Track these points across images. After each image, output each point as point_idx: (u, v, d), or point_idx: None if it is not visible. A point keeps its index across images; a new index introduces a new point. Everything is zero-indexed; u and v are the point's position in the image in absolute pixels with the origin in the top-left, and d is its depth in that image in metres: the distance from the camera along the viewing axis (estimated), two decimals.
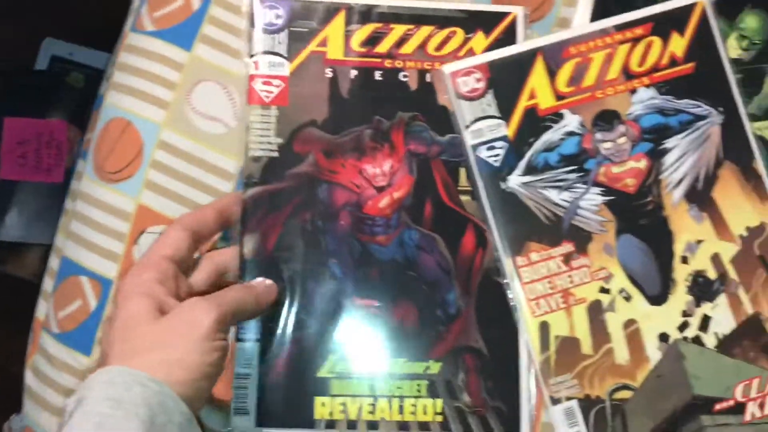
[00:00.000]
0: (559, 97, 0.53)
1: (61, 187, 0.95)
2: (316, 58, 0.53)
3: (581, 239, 0.52)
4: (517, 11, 0.54)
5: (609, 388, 0.51)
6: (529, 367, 0.52)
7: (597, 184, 0.53)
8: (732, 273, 0.52)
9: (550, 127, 0.53)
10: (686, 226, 0.53)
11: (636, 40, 0.53)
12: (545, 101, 0.53)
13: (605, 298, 0.52)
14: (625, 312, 0.52)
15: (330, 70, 0.53)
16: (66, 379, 0.54)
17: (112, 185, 0.55)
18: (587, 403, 0.51)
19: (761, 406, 0.52)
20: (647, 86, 0.53)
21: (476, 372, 0.51)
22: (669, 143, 0.53)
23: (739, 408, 0.51)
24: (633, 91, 0.53)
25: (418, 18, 0.54)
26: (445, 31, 0.54)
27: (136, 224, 0.54)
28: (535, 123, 0.53)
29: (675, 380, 0.51)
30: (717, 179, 0.53)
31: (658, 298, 0.52)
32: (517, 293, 0.52)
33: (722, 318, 0.52)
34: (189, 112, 0.55)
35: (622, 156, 0.53)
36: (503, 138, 0.53)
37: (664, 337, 0.52)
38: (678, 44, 0.53)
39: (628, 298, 0.52)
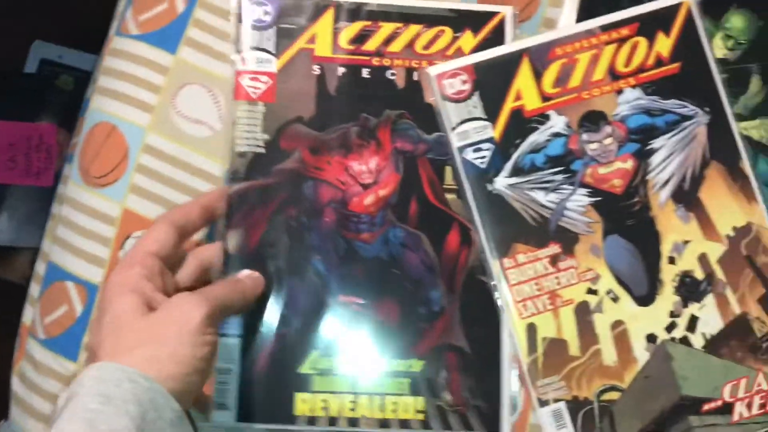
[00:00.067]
0: (545, 98, 0.53)
1: (51, 191, 0.95)
2: (304, 55, 0.53)
3: (568, 240, 0.52)
4: (506, 11, 0.54)
5: (597, 389, 0.51)
6: (511, 366, 0.51)
7: (584, 185, 0.53)
8: (719, 273, 0.52)
9: (537, 128, 0.53)
10: (673, 227, 0.53)
11: (622, 41, 0.53)
12: (531, 102, 0.53)
13: (592, 300, 0.52)
14: (613, 313, 0.52)
15: (318, 67, 0.53)
16: (52, 385, 0.53)
17: (98, 190, 0.55)
18: (575, 405, 0.51)
19: (749, 406, 0.52)
20: (633, 87, 0.53)
21: (458, 370, 0.51)
22: (655, 144, 0.53)
23: (727, 408, 0.51)
24: (619, 92, 0.53)
25: (406, 16, 0.54)
26: (434, 30, 0.54)
27: (121, 229, 0.54)
28: (522, 124, 0.53)
29: (663, 381, 0.51)
30: (704, 179, 0.53)
31: (645, 298, 0.52)
32: (504, 295, 0.52)
33: (710, 318, 0.52)
34: (174, 116, 0.55)
35: (608, 157, 0.53)
36: (489, 140, 0.53)
37: (651, 338, 0.52)
38: (664, 44, 0.53)
39: (615, 299, 0.52)
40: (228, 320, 0.50)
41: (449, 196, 0.53)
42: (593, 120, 0.53)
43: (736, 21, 0.55)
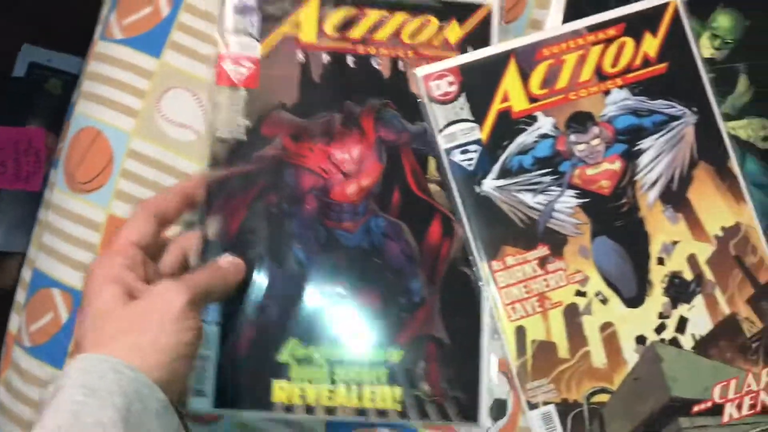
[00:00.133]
0: (532, 99, 0.53)
1: (41, 196, 0.94)
2: (289, 40, 0.53)
3: (556, 242, 0.52)
4: (492, 3, 0.54)
5: (586, 391, 0.51)
6: (489, 357, 0.51)
7: (572, 187, 0.52)
8: (708, 274, 0.52)
9: (524, 129, 0.52)
10: (662, 227, 0.52)
11: (609, 41, 0.53)
12: (518, 104, 0.53)
13: (581, 302, 0.52)
14: (602, 315, 0.52)
15: (302, 53, 0.53)
16: (37, 393, 0.53)
17: (83, 195, 0.54)
18: (565, 408, 0.51)
19: (739, 407, 0.51)
20: (620, 87, 0.53)
21: (437, 361, 0.51)
22: (643, 144, 0.53)
23: (717, 409, 0.51)
24: (606, 93, 0.53)
25: (392, 4, 0.53)
26: (420, 19, 0.53)
27: (106, 235, 0.53)
28: (509, 126, 0.52)
29: (652, 382, 0.51)
30: (692, 180, 0.53)
31: (634, 300, 0.52)
32: (493, 298, 0.51)
33: (699, 319, 0.52)
34: (159, 120, 0.54)
35: (596, 158, 0.53)
36: (477, 141, 0.52)
37: (641, 340, 0.51)
38: (651, 44, 0.53)
39: (604, 301, 0.52)
40: (207, 307, 0.49)
41: (432, 187, 0.52)
42: (580, 121, 0.53)
43: (723, 20, 0.55)
